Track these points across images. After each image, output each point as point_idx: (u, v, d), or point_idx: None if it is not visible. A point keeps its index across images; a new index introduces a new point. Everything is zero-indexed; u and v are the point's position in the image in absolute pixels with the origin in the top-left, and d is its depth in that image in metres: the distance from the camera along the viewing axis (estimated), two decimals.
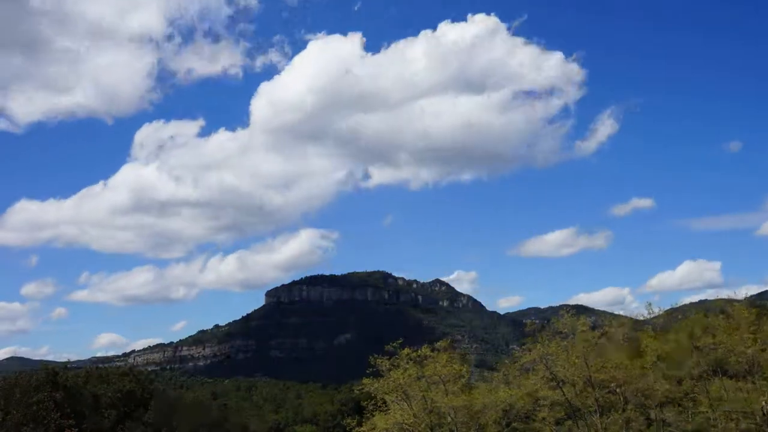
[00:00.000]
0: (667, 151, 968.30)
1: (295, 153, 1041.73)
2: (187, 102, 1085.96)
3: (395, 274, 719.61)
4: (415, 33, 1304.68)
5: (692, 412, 47.57)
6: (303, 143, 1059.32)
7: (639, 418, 44.93)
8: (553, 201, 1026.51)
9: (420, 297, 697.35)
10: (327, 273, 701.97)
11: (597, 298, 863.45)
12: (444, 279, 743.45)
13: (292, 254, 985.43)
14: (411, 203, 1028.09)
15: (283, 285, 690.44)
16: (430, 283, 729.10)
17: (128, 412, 39.63)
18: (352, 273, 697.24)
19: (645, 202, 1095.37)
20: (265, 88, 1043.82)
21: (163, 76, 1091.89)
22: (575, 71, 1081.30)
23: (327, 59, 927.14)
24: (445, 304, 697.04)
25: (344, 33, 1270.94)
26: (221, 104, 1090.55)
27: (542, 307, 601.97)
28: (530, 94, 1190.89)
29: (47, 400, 36.67)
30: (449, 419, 45.42)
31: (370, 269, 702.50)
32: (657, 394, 44.32)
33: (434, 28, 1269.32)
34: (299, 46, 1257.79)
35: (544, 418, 46.97)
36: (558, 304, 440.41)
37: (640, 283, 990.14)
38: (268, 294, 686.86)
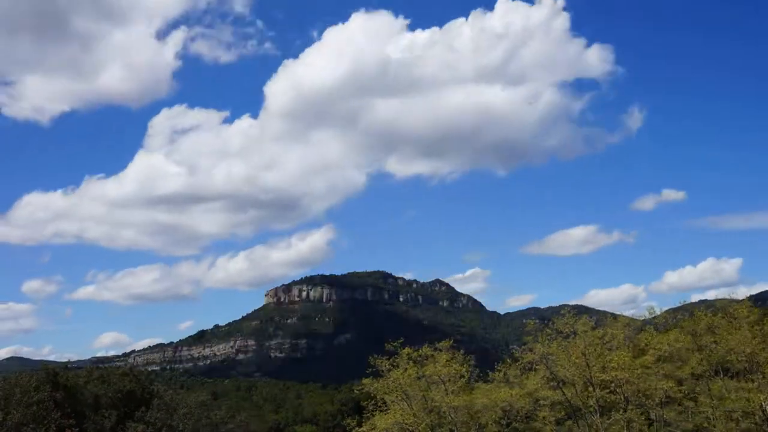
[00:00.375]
0: (699, 147, 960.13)
1: (314, 141, 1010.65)
2: (211, 88, 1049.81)
3: (396, 273, 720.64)
4: (471, 10, 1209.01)
5: (692, 411, 47.49)
6: (323, 130, 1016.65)
7: (640, 417, 44.83)
8: (576, 196, 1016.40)
9: (420, 297, 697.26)
10: (327, 273, 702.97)
11: (610, 296, 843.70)
12: (457, 277, 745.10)
13: (308, 252, 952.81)
14: (427, 198, 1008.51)
15: (283, 285, 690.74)
16: (430, 283, 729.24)
17: (128, 413, 39.54)
18: (352, 273, 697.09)
19: (677, 195, 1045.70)
20: (290, 68, 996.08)
21: (188, 61, 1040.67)
22: (609, 63, 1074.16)
23: (361, 39, 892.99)
24: (445, 304, 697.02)
25: (394, 11, 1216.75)
26: (249, 89, 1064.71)
27: (542, 307, 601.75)
28: (562, 86, 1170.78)
29: (47, 400, 36.59)
30: (449, 419, 45.39)
31: (370, 269, 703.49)
32: (658, 394, 44.24)
33: (492, 8, 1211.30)
34: (342, 19, 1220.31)
35: (544, 418, 46.93)
36: (558, 304, 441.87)
37: (658, 281, 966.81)
38: (268, 294, 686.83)
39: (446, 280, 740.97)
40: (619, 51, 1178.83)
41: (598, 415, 44.81)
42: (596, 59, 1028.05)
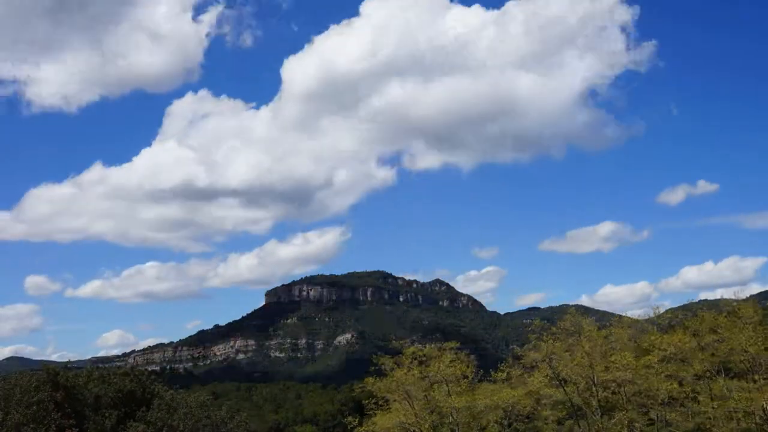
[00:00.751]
0: (734, 146, 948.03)
1: (334, 131, 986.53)
2: (235, 73, 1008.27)
3: (396, 273, 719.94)
4: None
5: (692, 411, 47.36)
6: (346, 118, 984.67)
7: (643, 417, 44.73)
8: (603, 189, 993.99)
9: (420, 297, 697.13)
10: (327, 273, 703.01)
11: (624, 294, 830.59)
12: (471, 274, 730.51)
13: (323, 250, 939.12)
14: (449, 191, 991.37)
15: (283, 285, 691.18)
16: (430, 283, 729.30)
17: (129, 413, 39.38)
18: (352, 273, 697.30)
19: (711, 187, 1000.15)
20: (317, 46, 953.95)
21: (215, 43, 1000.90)
22: (656, 58, 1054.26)
23: (405, 17, 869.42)
24: (445, 304, 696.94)
25: None
26: (274, 75, 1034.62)
27: (542, 307, 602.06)
28: (600, 78, 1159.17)
29: (47, 401, 36.42)
30: (451, 419, 45.27)
31: (370, 269, 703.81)
32: (660, 394, 44.10)
33: None
34: None
35: (546, 418, 46.83)
36: (558, 305, 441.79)
37: (672, 278, 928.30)
38: (268, 294, 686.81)
39: (461, 278, 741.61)
40: (669, 47, 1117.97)
41: (599, 414, 44.69)
42: (645, 53, 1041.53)
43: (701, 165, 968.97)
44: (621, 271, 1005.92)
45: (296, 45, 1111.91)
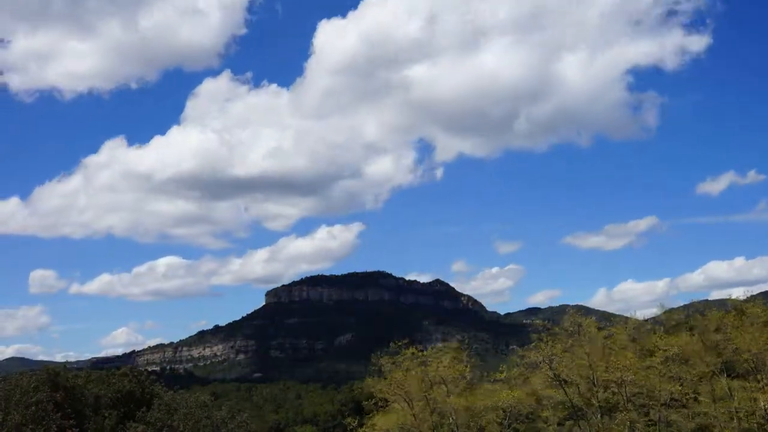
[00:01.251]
0: None
1: (368, 118, 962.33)
2: (271, 53, 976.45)
3: (396, 274, 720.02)
4: None
5: (692, 412, 47.29)
6: (379, 103, 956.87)
7: (644, 418, 44.66)
8: (640, 180, 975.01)
9: (420, 297, 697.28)
10: (327, 273, 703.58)
11: (642, 291, 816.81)
12: (493, 271, 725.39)
13: (347, 246, 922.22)
14: (474, 182, 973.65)
15: (283, 285, 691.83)
16: (430, 283, 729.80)
17: (128, 413, 39.39)
18: (352, 273, 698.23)
19: (759, 177, 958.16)
20: (357, 15, 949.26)
21: (254, 14, 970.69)
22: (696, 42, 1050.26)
23: None
24: (446, 304, 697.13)
25: None
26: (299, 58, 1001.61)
27: (543, 308, 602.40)
28: (644, 66, 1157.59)
29: (47, 401, 36.41)
30: (450, 420, 45.24)
31: (370, 269, 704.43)
32: (662, 395, 44.01)
33: None
34: None
35: (547, 419, 46.79)
36: (558, 305, 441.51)
37: (694, 276, 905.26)
38: (269, 294, 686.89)
39: (480, 276, 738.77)
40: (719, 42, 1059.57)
41: (599, 415, 44.64)
42: (696, 45, 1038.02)
43: (750, 155, 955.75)
44: (647, 267, 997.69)
45: (334, 11, 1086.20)
